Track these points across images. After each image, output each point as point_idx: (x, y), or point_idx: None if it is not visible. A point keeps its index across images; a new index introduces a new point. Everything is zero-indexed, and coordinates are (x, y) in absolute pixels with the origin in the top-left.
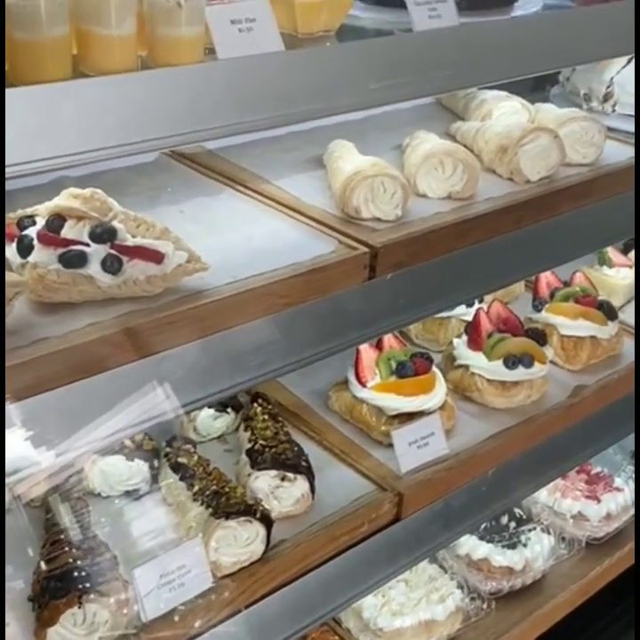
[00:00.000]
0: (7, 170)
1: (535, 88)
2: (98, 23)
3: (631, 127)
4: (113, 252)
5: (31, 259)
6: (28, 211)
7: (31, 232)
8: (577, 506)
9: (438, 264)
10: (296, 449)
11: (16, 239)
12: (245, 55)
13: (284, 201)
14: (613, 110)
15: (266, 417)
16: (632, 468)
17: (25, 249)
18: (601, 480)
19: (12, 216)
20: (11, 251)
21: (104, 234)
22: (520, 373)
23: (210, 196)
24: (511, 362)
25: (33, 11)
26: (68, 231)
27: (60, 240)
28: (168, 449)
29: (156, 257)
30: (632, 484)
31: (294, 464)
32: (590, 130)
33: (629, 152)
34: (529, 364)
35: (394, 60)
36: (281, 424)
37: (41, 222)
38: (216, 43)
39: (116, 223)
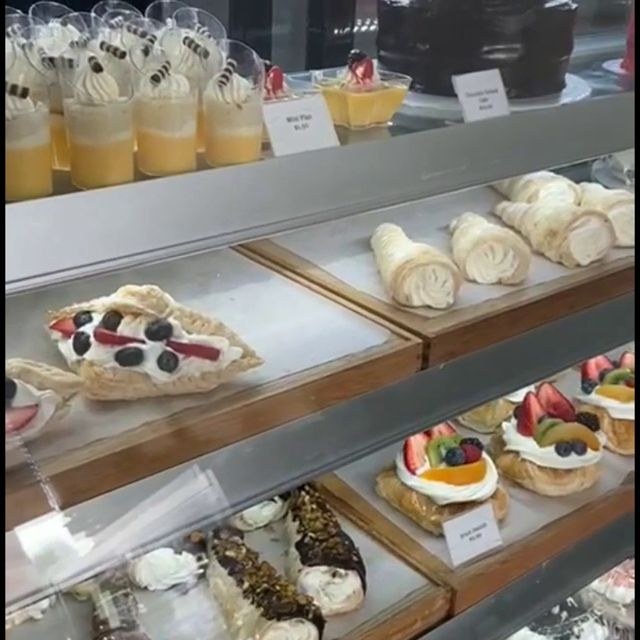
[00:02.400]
0: (72, 272)
1: (577, 164)
2: (161, 127)
3: None
4: (169, 349)
5: (87, 356)
6: (85, 306)
7: (88, 329)
8: (630, 594)
9: (491, 352)
10: (347, 543)
11: (73, 335)
12: (301, 151)
13: (333, 287)
14: None
15: (314, 506)
16: None
17: (81, 346)
18: None
19: (68, 311)
20: (67, 347)
21: (160, 331)
22: (573, 460)
23: (259, 283)
24: (563, 448)
25: (98, 118)
26: (124, 328)
27: (117, 337)
28: (216, 541)
29: (211, 354)
30: None
31: (345, 559)
32: None
33: None
34: (582, 451)
35: (445, 151)
36: (329, 513)
37: (97, 318)
38: (273, 140)
39: (171, 320)
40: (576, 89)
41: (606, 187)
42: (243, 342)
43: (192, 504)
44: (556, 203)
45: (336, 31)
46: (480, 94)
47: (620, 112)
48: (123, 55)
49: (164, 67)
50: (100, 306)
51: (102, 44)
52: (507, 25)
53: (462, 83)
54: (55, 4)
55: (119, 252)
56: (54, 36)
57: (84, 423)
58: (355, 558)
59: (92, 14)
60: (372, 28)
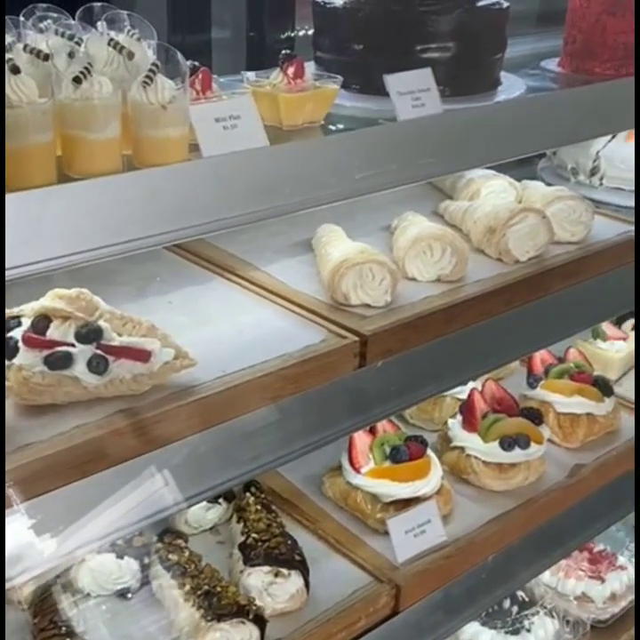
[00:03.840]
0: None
1: (522, 162)
2: (84, 128)
3: (619, 200)
4: (98, 352)
5: (16, 361)
6: (15, 311)
7: (16, 334)
8: (581, 586)
9: (429, 349)
10: (290, 542)
11: None
12: (230, 152)
13: (272, 288)
14: (601, 184)
15: (259, 507)
16: (634, 545)
17: (10, 351)
18: (604, 559)
19: None
20: None
21: (90, 334)
22: (517, 455)
23: (199, 285)
24: (507, 443)
25: (16, 119)
26: (53, 332)
27: (46, 342)
28: (159, 545)
29: (142, 356)
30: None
31: (288, 559)
32: (577, 208)
33: (618, 228)
34: (525, 445)
35: (378, 150)
36: (274, 514)
37: (27, 323)
38: (200, 141)
39: (101, 322)
40: (511, 87)
41: (549, 184)
42: (175, 344)
43: (126, 507)
44: (495, 200)
45: (276, 35)
46: (412, 93)
47: (554, 109)
48: (46, 57)
49: (86, 68)
50: (29, 310)
51: (25, 46)
52: (439, 24)
53: (394, 81)
54: None
55: (45, 255)
56: None
57: (13, 428)
58: (297, 557)
59: (21, 18)
60: (311, 31)
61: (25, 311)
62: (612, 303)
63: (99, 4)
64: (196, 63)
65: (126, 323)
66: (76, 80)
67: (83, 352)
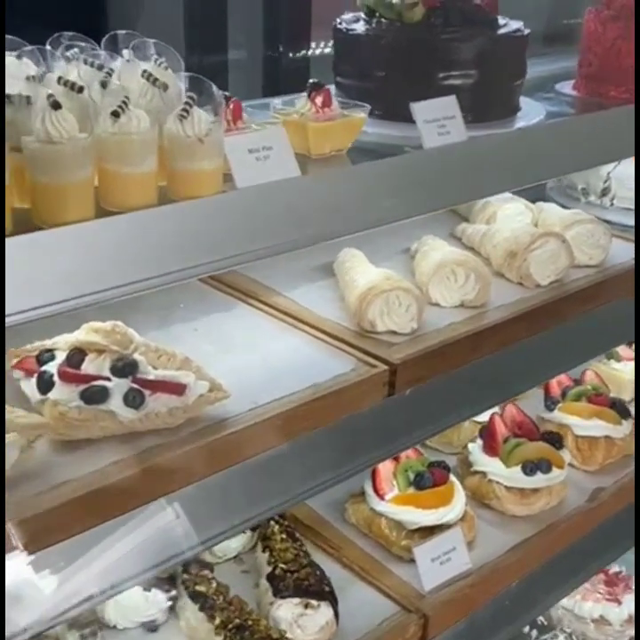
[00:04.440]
0: (36, 312)
1: None
2: (122, 162)
3: (630, 221)
4: (135, 386)
5: (51, 395)
6: (48, 343)
7: (51, 367)
8: (598, 609)
9: (455, 375)
10: (318, 573)
11: (36, 374)
12: (263, 183)
13: (297, 315)
14: (612, 204)
15: (284, 536)
16: None
17: (45, 385)
18: (620, 581)
19: (29, 348)
20: (30, 386)
21: (125, 368)
22: (539, 480)
23: (223, 312)
24: (529, 468)
25: (58, 156)
26: (88, 365)
27: (82, 376)
28: (185, 576)
29: (177, 389)
30: None
31: (318, 590)
32: (596, 232)
33: (634, 251)
34: (547, 470)
35: (406, 178)
36: (299, 543)
37: (61, 356)
38: (234, 172)
39: (137, 356)
40: (531, 112)
41: (565, 206)
42: (209, 376)
43: (162, 543)
44: (514, 224)
45: (292, 55)
46: (438, 120)
47: (576, 133)
48: (80, 90)
49: (124, 102)
50: (63, 343)
51: (59, 78)
52: (461, 51)
53: (420, 109)
54: (9, 37)
55: (83, 290)
56: (11, 71)
57: (48, 464)
58: (327, 588)
59: (48, 47)
60: (327, 50)
61: (59, 344)
62: (631, 325)
63: (123, 31)
64: (227, 93)
65: (161, 355)
66: (115, 114)
67: (119, 386)
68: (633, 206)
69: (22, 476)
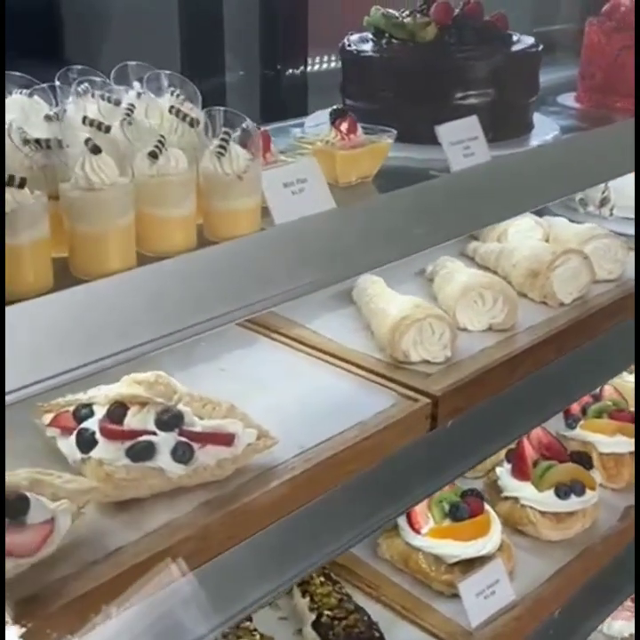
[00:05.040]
0: (81, 371)
1: None
2: (160, 205)
3: (630, 230)
4: (182, 439)
5: (95, 454)
6: (84, 398)
7: (92, 424)
8: (628, 627)
9: (493, 402)
10: (366, 619)
11: (75, 432)
12: (300, 217)
13: (324, 347)
14: (611, 214)
15: (322, 579)
16: None
17: (86, 443)
18: None
19: (62, 402)
20: (68, 444)
21: (171, 420)
22: (573, 503)
23: (246, 348)
24: (563, 491)
25: (101, 203)
26: (131, 420)
27: (127, 432)
28: (226, 629)
29: (226, 439)
30: None
31: (369, 637)
32: (613, 246)
33: None
34: (581, 492)
35: (435, 203)
36: (339, 585)
37: (100, 412)
38: (272, 208)
39: (181, 406)
40: (544, 128)
41: (572, 220)
42: (256, 422)
43: (215, 606)
44: (529, 242)
45: (290, 71)
46: (462, 142)
47: (592, 147)
48: (108, 129)
49: (160, 141)
50: (101, 397)
51: (85, 118)
52: (478, 70)
53: (445, 132)
54: (17, 74)
55: (126, 344)
56: (25, 111)
57: (98, 530)
58: (377, 634)
59: (57, 82)
60: (325, 66)
61: (97, 398)
62: None
63: (133, 63)
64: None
65: (206, 404)
66: (153, 155)
67: (165, 440)
68: (632, 215)
69: (72, 545)
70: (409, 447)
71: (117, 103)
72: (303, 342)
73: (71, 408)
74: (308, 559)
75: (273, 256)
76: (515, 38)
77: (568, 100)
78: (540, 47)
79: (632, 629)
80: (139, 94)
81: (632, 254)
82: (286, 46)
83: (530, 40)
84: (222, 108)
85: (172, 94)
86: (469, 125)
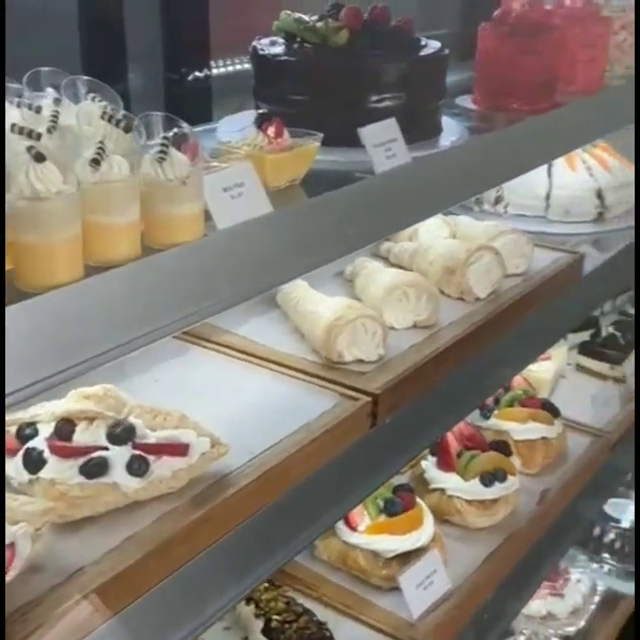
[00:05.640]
0: (28, 390)
1: None
2: (105, 213)
3: (524, 226)
4: (137, 452)
5: (45, 474)
6: (26, 417)
7: (38, 443)
8: (545, 605)
9: (424, 397)
10: (315, 619)
11: (21, 452)
12: (241, 222)
13: (257, 352)
14: (505, 211)
15: (266, 585)
16: (585, 556)
17: (35, 463)
18: (559, 576)
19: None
20: (14, 466)
21: (124, 434)
22: (497, 489)
23: (179, 357)
24: (488, 479)
25: (47, 213)
26: (80, 436)
27: (79, 448)
28: None
29: (181, 450)
30: (590, 573)
31: (320, 638)
32: (519, 241)
33: (551, 255)
34: (503, 479)
35: (364, 204)
36: (283, 589)
37: (46, 429)
38: (214, 213)
39: (132, 419)
40: (451, 130)
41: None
42: (208, 431)
43: (179, 616)
44: (442, 240)
45: (194, 74)
46: (384, 144)
47: (501, 146)
48: (39, 137)
49: (100, 148)
50: (46, 414)
51: (13, 126)
52: (391, 74)
53: (368, 134)
54: None
55: (73, 360)
56: None
57: (55, 552)
58: (327, 634)
59: None
60: (230, 68)
61: (40, 416)
62: (561, 324)
63: (46, 69)
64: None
65: (156, 415)
66: (95, 162)
67: (119, 454)
68: (525, 212)
69: (32, 569)
70: (354, 447)
71: (38, 110)
72: (236, 348)
73: (12, 428)
74: (264, 565)
75: (217, 261)
76: (422, 42)
77: (466, 102)
78: (447, 51)
79: (549, 607)
80: (56, 100)
81: (535, 249)
82: (189, 50)
83: (437, 44)
84: (160, 113)
85: (93, 100)
86: (389, 127)
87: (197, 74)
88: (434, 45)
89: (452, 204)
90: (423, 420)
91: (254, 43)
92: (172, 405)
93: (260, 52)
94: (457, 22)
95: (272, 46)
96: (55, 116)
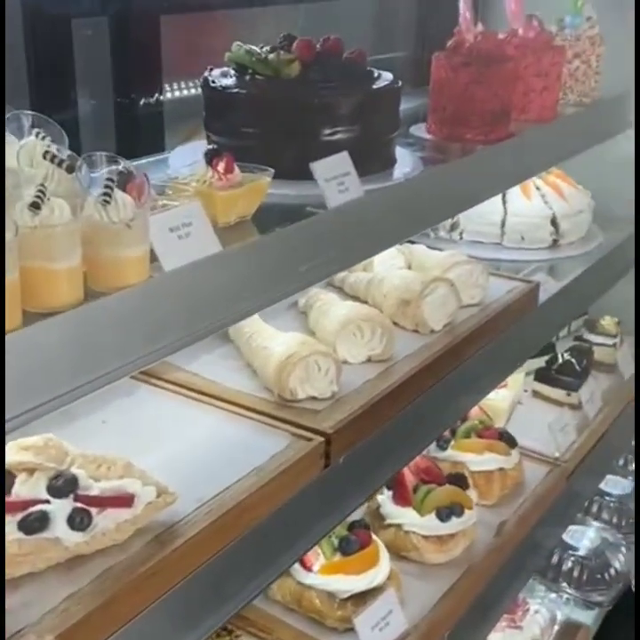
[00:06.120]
0: None
1: None
2: (45, 259)
3: (480, 253)
4: (79, 505)
5: None
6: None
7: None
8: (504, 638)
9: (379, 433)
10: None
11: None
12: (188, 262)
13: (207, 390)
14: (461, 238)
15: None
16: (543, 586)
17: None
18: (518, 607)
19: None
20: None
21: (65, 486)
22: (454, 524)
23: (127, 397)
24: (444, 514)
25: None
26: (20, 489)
27: (19, 502)
28: None
29: (125, 501)
30: (548, 603)
31: None
32: (474, 271)
33: (506, 285)
34: (460, 513)
35: (316, 240)
36: (235, 634)
37: None
38: (160, 254)
39: (75, 470)
40: (405, 161)
41: (428, 247)
42: (154, 479)
43: None
44: (397, 271)
45: (144, 100)
46: (336, 178)
47: (456, 177)
48: None
49: (41, 191)
50: None
51: None
52: (343, 106)
53: (320, 168)
54: None
55: (11, 413)
56: None
57: None
58: None
59: None
60: (183, 93)
61: None
62: (518, 353)
63: None
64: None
65: (100, 465)
66: (35, 206)
67: (60, 508)
68: (481, 239)
69: None
70: (307, 489)
71: None
72: (185, 386)
73: None
74: (216, 615)
75: (163, 303)
76: (375, 74)
77: (420, 130)
78: (400, 83)
79: (507, 639)
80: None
81: (491, 278)
82: (141, 72)
83: (389, 76)
84: (104, 153)
85: (36, 136)
86: (342, 161)
87: (149, 100)
88: (387, 77)
89: (407, 237)
90: (379, 457)
91: (206, 74)
92: (120, 448)
93: (211, 84)
94: (412, 46)
95: (223, 78)
96: None
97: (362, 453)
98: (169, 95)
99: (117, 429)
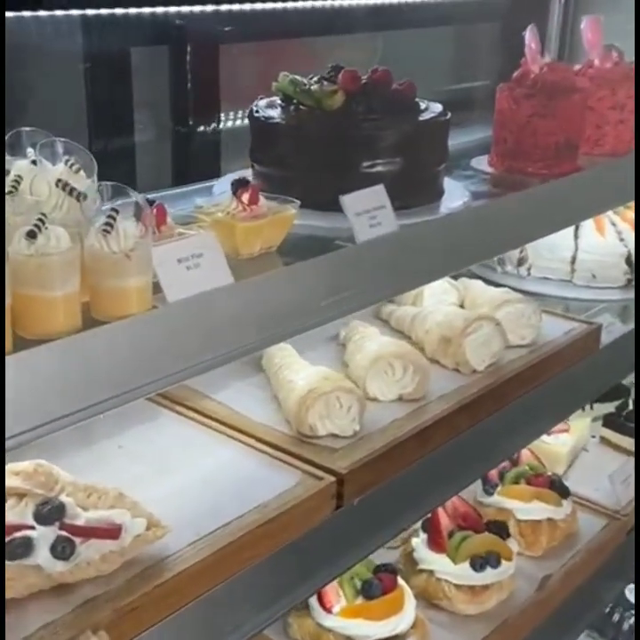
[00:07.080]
0: None
1: None
2: (40, 287)
3: (547, 290)
4: (63, 533)
5: None
6: None
7: None
8: None
9: (403, 476)
10: None
11: None
12: (195, 294)
13: (230, 421)
14: (528, 274)
15: None
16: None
17: None
18: None
19: None
20: None
21: (51, 513)
22: (489, 575)
23: (148, 423)
24: (479, 564)
25: None
26: (8, 514)
27: (6, 527)
28: None
29: (112, 533)
30: None
31: None
32: (526, 311)
33: (563, 326)
34: (496, 564)
35: (340, 274)
36: None
37: None
38: (164, 285)
39: (63, 497)
40: (454, 194)
41: (489, 281)
42: (146, 511)
43: None
44: (443, 307)
45: (202, 128)
46: (368, 212)
47: (501, 214)
48: None
49: (40, 219)
50: None
51: None
52: (384, 139)
53: (350, 202)
54: None
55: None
56: None
57: None
58: None
59: None
60: (238, 122)
61: None
62: (572, 399)
63: (28, 128)
64: (149, 197)
65: (91, 494)
66: (31, 235)
67: (44, 535)
68: (549, 275)
69: None
70: (316, 529)
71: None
72: (208, 415)
73: None
74: None
75: (165, 334)
76: (423, 106)
77: (481, 163)
78: (448, 115)
79: None
80: (34, 162)
81: (545, 318)
82: (198, 104)
83: (438, 108)
84: (109, 183)
85: (66, 163)
86: (376, 194)
87: (206, 127)
88: (434, 109)
89: (442, 276)
90: (400, 501)
91: (253, 104)
92: (130, 475)
93: (255, 114)
94: (493, 76)
95: (268, 108)
96: (17, 182)
97: (381, 496)
98: (230, 124)
99: (131, 456)
